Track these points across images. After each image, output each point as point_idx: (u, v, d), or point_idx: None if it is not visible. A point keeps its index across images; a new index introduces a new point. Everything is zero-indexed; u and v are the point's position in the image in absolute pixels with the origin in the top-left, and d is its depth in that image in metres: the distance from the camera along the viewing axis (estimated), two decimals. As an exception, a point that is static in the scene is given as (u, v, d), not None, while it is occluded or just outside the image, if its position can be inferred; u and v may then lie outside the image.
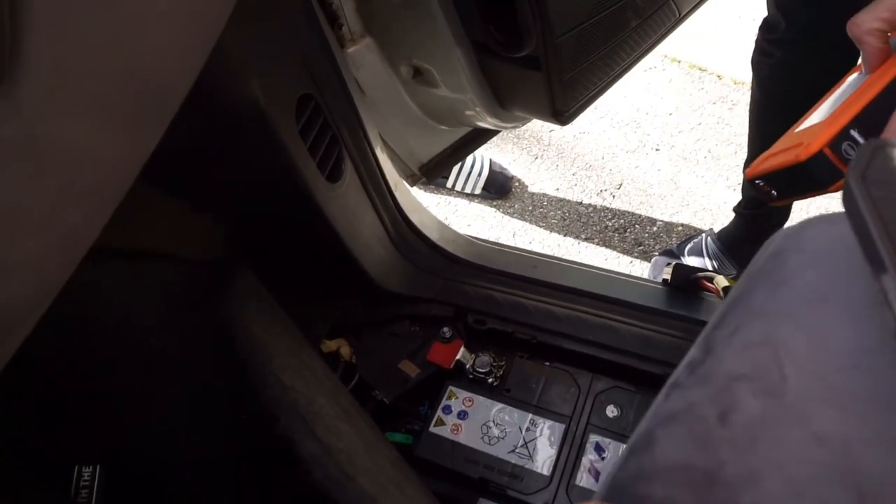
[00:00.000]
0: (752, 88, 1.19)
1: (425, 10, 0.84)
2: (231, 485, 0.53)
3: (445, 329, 0.83)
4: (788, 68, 1.07)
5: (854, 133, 0.45)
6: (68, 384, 0.58)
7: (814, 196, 0.54)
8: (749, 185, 0.62)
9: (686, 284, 0.87)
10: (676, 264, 0.88)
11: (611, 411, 0.77)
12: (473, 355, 0.82)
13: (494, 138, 1.74)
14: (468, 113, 1.00)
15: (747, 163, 1.30)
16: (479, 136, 1.17)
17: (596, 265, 0.92)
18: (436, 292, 0.87)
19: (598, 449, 0.74)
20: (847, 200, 0.31)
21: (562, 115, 0.92)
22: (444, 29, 0.86)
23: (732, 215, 1.43)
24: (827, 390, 0.29)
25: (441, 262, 0.89)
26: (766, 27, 1.08)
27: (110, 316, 0.65)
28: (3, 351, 0.35)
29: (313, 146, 0.68)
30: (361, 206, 0.79)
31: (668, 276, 0.89)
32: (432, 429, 0.77)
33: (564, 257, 1.45)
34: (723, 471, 0.28)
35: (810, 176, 0.48)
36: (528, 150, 1.73)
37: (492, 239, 1.53)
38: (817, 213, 0.42)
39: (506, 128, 1.09)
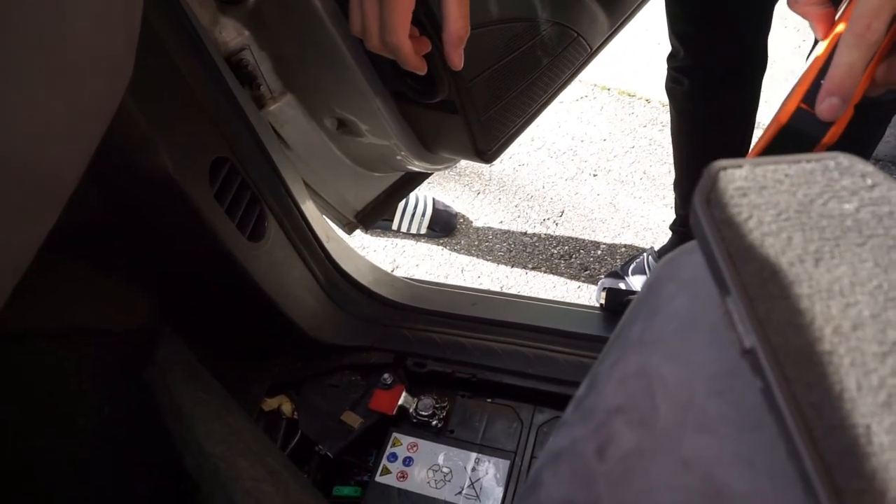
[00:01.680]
0: (671, 112, 1.24)
1: (341, 65, 0.86)
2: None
3: (386, 375, 0.83)
4: (698, 92, 1.12)
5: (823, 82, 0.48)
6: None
7: (862, 89, 0.54)
8: (791, 124, 0.61)
9: (620, 307, 0.88)
10: (609, 289, 0.90)
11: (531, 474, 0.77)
12: (416, 399, 0.82)
13: (435, 177, 1.77)
14: (397, 158, 1.02)
15: (676, 181, 1.35)
16: (413, 179, 1.19)
17: (535, 296, 0.94)
18: (374, 339, 0.86)
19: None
20: (694, 225, 0.32)
21: (485, 154, 0.94)
22: (361, 81, 0.87)
23: (670, 233, 1.48)
24: (692, 415, 0.30)
25: (378, 309, 0.89)
26: (670, 56, 1.13)
27: (31, 399, 0.63)
28: None
29: (231, 208, 0.69)
30: (289, 262, 0.79)
31: (603, 301, 0.91)
32: (378, 478, 0.76)
33: (508, 289, 1.47)
34: (599, 506, 0.29)
35: (799, 135, 0.51)
36: (469, 185, 1.76)
37: (440, 276, 1.55)
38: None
39: (436, 169, 1.11)
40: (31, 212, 0.42)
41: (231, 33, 0.85)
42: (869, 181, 0.34)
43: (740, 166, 0.36)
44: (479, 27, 0.78)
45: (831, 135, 0.49)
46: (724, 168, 0.34)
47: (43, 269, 0.42)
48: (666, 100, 1.26)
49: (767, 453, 0.28)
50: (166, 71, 0.65)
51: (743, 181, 0.34)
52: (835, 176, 0.34)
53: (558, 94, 1.09)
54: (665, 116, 1.84)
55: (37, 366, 0.64)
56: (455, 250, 1.61)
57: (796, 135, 0.51)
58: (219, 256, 0.67)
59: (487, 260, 1.58)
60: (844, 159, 0.35)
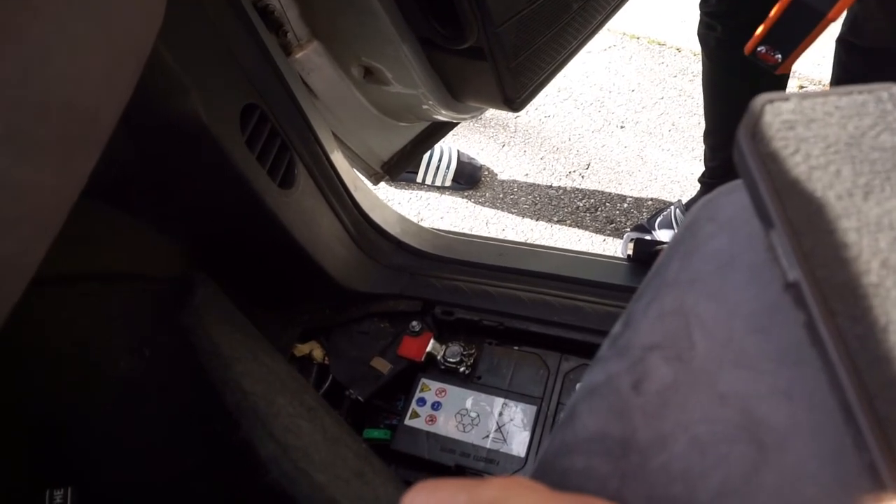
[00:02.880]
0: (703, 60, 1.20)
1: (368, 10, 0.85)
2: (197, 493, 0.53)
3: (414, 323, 0.84)
4: (730, 38, 1.09)
5: None
6: (35, 411, 0.59)
7: (815, 37, 0.60)
8: (753, 58, 0.69)
9: (648, 258, 0.88)
10: (637, 239, 0.90)
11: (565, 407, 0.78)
12: (444, 346, 0.83)
13: (460, 129, 1.75)
14: (423, 107, 1.01)
15: (706, 132, 1.32)
16: (439, 130, 1.18)
17: (561, 247, 0.94)
18: (402, 288, 0.88)
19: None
20: (738, 159, 0.32)
21: (513, 102, 0.93)
22: (388, 27, 0.86)
23: (699, 186, 1.45)
24: (730, 352, 0.30)
25: (405, 258, 0.90)
26: (703, 2, 1.10)
27: (74, 343, 0.65)
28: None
29: (262, 155, 0.69)
30: (319, 210, 0.80)
31: (630, 252, 0.91)
32: (407, 421, 0.78)
33: (534, 242, 1.47)
34: (635, 437, 0.29)
35: (806, 8, 0.54)
36: (494, 138, 1.74)
37: (465, 229, 1.55)
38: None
39: (462, 119, 1.10)
40: (73, 151, 0.43)
41: (256, -21, 0.84)
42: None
43: (787, 99, 0.35)
44: (510, -32, 0.76)
45: (836, 10, 0.52)
46: (771, 101, 0.33)
47: (80, 216, 0.43)
48: (697, 49, 1.22)
49: (806, 387, 0.28)
50: (196, 18, 0.65)
51: (790, 114, 0.33)
52: (888, 107, 0.33)
53: (587, 41, 1.06)
54: (696, 66, 1.79)
55: (76, 309, 0.66)
56: (479, 203, 1.61)
57: (804, 8, 0.55)
58: (250, 203, 0.68)
59: (512, 213, 1.57)
60: (900, 92, 0.34)
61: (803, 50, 0.63)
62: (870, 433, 0.24)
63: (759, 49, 0.62)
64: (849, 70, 1.09)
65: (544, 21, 0.89)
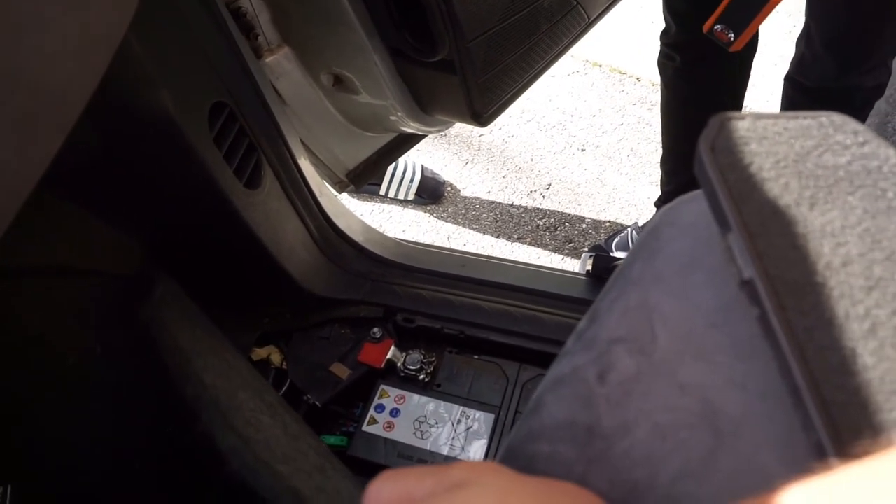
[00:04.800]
0: (661, 89, 1.25)
1: (341, 20, 0.86)
2: (155, 486, 0.52)
3: (375, 329, 0.84)
4: (688, 69, 1.14)
5: None
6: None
7: (763, 18, 0.72)
8: (710, 35, 0.81)
9: (606, 273, 0.91)
10: (596, 255, 0.92)
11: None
12: (404, 353, 0.84)
13: (425, 144, 1.77)
14: (391, 118, 1.02)
15: (663, 158, 1.37)
16: (405, 142, 1.19)
17: (522, 261, 0.95)
18: (364, 294, 0.88)
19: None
20: (698, 169, 0.34)
21: (480, 116, 0.95)
22: (360, 37, 0.87)
23: (655, 209, 1.50)
24: (690, 346, 0.32)
25: (368, 265, 0.90)
26: (664, 32, 1.15)
27: (22, 337, 0.63)
28: None
29: (229, 154, 0.69)
30: (283, 212, 0.80)
31: (589, 268, 0.93)
32: (365, 427, 0.78)
33: (492, 255, 1.49)
34: (600, 424, 0.30)
35: None
36: (458, 154, 1.76)
37: (425, 235, 1.56)
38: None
39: (429, 132, 1.11)
40: (37, 132, 0.42)
41: (229, -18, 0.84)
42: (860, 138, 0.36)
43: (743, 118, 0.38)
44: (483, -15, 0.78)
45: None
46: (729, 119, 0.36)
47: (33, 206, 0.42)
48: (657, 79, 1.27)
49: (759, 379, 0.30)
50: (169, 13, 0.64)
51: (745, 131, 0.35)
52: (829, 132, 0.36)
53: (553, 63, 1.09)
54: (654, 96, 1.85)
55: (28, 303, 0.64)
56: (442, 218, 1.62)
57: None
58: (215, 202, 0.68)
59: (473, 229, 1.59)
60: (838, 118, 0.37)
61: (753, 29, 0.74)
62: (817, 415, 0.25)
63: (715, 27, 0.76)
64: (795, 107, 1.15)
65: (514, 39, 0.91)
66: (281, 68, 0.94)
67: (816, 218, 0.32)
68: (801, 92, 1.12)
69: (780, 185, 0.33)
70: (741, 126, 0.36)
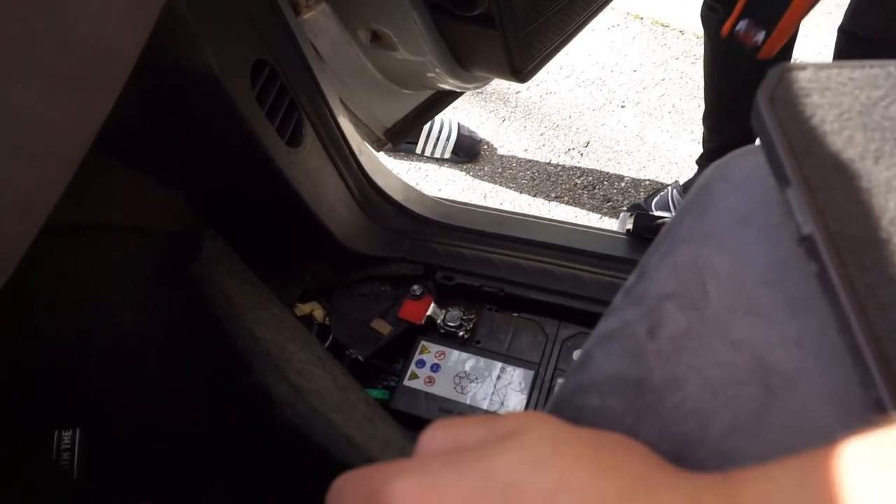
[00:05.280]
0: (705, 42, 1.21)
1: (379, -29, 0.84)
2: (213, 434, 0.55)
3: (415, 287, 0.85)
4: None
5: None
6: (42, 357, 0.59)
7: (798, 13, 0.51)
8: (731, 40, 0.61)
9: (648, 232, 0.90)
10: (637, 213, 0.91)
11: (577, 355, 0.80)
12: (444, 310, 0.85)
13: (461, 102, 1.75)
14: (429, 75, 1.01)
15: (706, 114, 1.33)
16: (443, 99, 1.18)
17: (561, 220, 0.95)
18: (404, 252, 0.88)
19: (566, 391, 0.77)
20: (756, 122, 0.33)
21: (520, 72, 0.93)
22: (398, -10, 0.86)
23: (696, 168, 1.47)
24: (743, 302, 0.32)
25: (408, 223, 0.91)
26: None
27: (80, 292, 0.65)
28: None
29: (271, 112, 0.69)
30: (324, 171, 0.80)
31: (630, 227, 0.92)
32: (406, 382, 0.80)
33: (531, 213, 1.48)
34: (650, 378, 0.31)
35: None
36: (495, 112, 1.74)
37: (462, 194, 1.55)
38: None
39: (467, 88, 1.10)
40: (92, 91, 0.43)
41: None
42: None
43: (804, 69, 0.36)
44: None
45: None
46: (789, 70, 0.34)
47: (88, 166, 0.43)
48: (700, 31, 1.22)
49: (814, 336, 0.29)
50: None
51: (807, 82, 0.34)
52: (899, 81, 0.35)
53: (594, 17, 1.06)
54: (698, 49, 1.79)
55: (82, 261, 0.67)
56: (478, 176, 1.61)
57: None
58: (258, 160, 0.69)
59: (510, 187, 1.58)
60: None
61: (788, 27, 0.55)
62: (877, 371, 0.25)
63: (737, 29, 0.55)
64: (850, 59, 1.10)
65: (556, -8, 0.89)
66: (319, 25, 0.93)
67: (882, 172, 0.31)
68: (855, 44, 1.07)
69: (844, 139, 0.32)
70: (802, 77, 0.35)
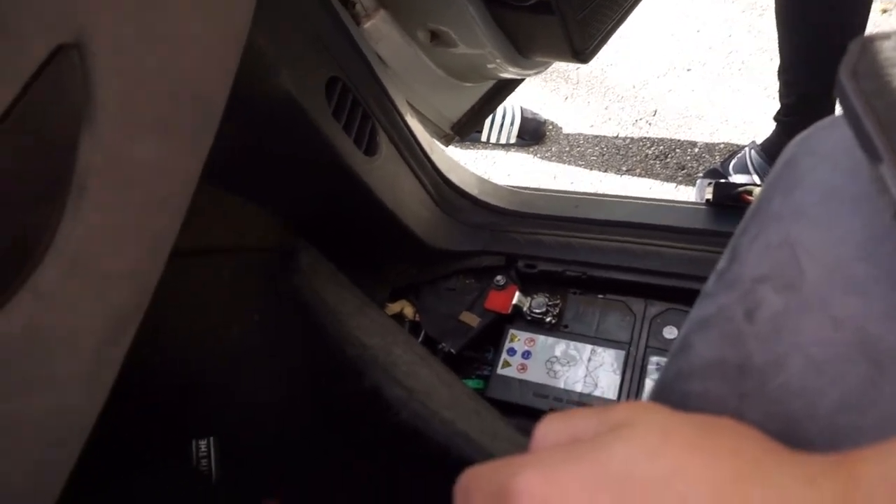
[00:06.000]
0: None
1: (432, -27, 0.86)
2: (327, 436, 0.59)
3: (499, 277, 0.87)
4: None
5: None
6: (172, 374, 0.65)
7: None
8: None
9: (729, 201, 0.88)
10: (716, 182, 0.89)
11: (668, 332, 0.80)
12: (529, 298, 0.86)
13: (522, 84, 1.75)
14: (490, 66, 1.02)
15: (781, 68, 1.27)
16: (505, 87, 1.19)
17: (637, 195, 0.94)
18: (484, 244, 0.90)
19: (660, 368, 0.77)
20: (841, 97, 0.33)
21: (582, 53, 0.93)
22: (454, -12, 0.87)
23: (773, 125, 1.41)
24: (840, 279, 0.32)
25: (485, 215, 0.93)
26: None
27: (193, 313, 0.71)
28: (120, 347, 0.41)
29: (347, 125, 0.72)
30: (401, 174, 0.83)
31: (710, 196, 0.90)
32: (500, 371, 0.82)
33: (605, 192, 1.47)
34: (751, 361, 0.31)
35: None
36: (557, 90, 1.73)
37: (533, 185, 1.56)
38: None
39: (529, 75, 1.10)
40: (198, 135, 0.47)
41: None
42: None
43: (889, 37, 0.36)
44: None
45: None
46: (872, 40, 0.34)
47: (196, 195, 0.47)
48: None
49: (919, 308, 0.29)
50: (279, -3, 0.68)
51: (892, 51, 0.33)
52: None
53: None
54: (765, 1, 1.71)
55: (193, 282, 0.72)
56: (546, 158, 1.61)
57: None
58: (340, 172, 0.72)
59: (580, 165, 1.57)
60: None
61: None
62: None
63: None
64: None
65: (610, -31, 0.88)
66: (379, 32, 0.96)
67: (977, 139, 0.30)
68: None
69: (933, 107, 0.31)
70: (887, 46, 0.34)
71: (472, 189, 0.94)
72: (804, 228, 0.34)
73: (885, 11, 1.61)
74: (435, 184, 0.90)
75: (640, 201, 0.90)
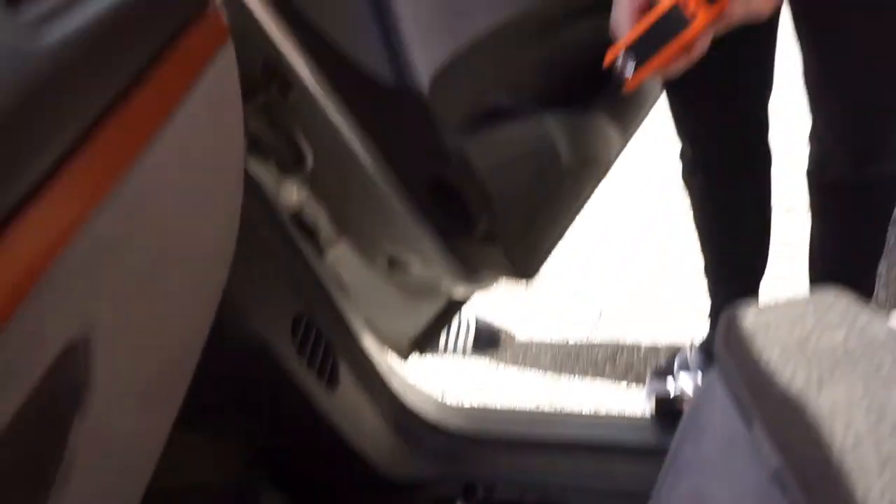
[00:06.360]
0: (691, 203, 1.29)
1: (390, 208, 0.97)
2: None
3: None
4: (712, 186, 1.19)
5: None
6: None
7: (667, 55, 0.60)
8: (611, 69, 0.67)
9: (670, 414, 0.93)
10: (657, 398, 0.95)
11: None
12: (490, 523, 0.86)
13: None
14: (443, 287, 1.11)
15: (706, 268, 1.37)
16: (458, 303, 1.27)
17: (587, 412, 0.98)
18: (443, 470, 0.91)
19: None
20: (717, 365, 0.40)
21: (525, 273, 1.03)
22: (408, 223, 0.98)
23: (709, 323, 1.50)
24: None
25: (443, 441, 0.95)
26: (681, 154, 1.20)
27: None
28: None
29: (310, 360, 0.77)
30: (361, 405, 0.86)
31: (653, 411, 0.96)
32: None
33: (557, 399, 1.52)
34: None
35: (672, 22, 0.59)
36: (510, 292, 1.83)
37: (490, 390, 1.60)
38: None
39: (479, 291, 1.19)
40: (174, 395, 0.51)
41: (292, 193, 0.97)
42: (852, 314, 0.41)
43: (749, 309, 0.44)
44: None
45: (693, 27, 0.60)
46: (735, 315, 0.42)
47: None
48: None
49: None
50: (249, 240, 0.75)
51: (751, 324, 0.42)
52: (823, 311, 0.42)
53: (583, 207, 1.17)
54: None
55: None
56: (503, 360, 1.67)
57: (667, 23, 0.60)
58: (303, 408, 0.75)
59: (535, 368, 1.63)
60: (830, 295, 0.43)
61: (650, 69, 0.62)
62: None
63: (617, 61, 0.62)
64: (819, 203, 1.16)
65: (545, 203, 1.00)
66: (340, 260, 1.05)
67: (826, 399, 0.37)
68: (819, 188, 1.14)
69: (790, 372, 0.38)
70: (748, 319, 0.42)
71: (429, 414, 0.97)
72: (710, 481, 0.39)
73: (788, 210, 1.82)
74: (394, 411, 0.93)
75: (589, 419, 0.95)
